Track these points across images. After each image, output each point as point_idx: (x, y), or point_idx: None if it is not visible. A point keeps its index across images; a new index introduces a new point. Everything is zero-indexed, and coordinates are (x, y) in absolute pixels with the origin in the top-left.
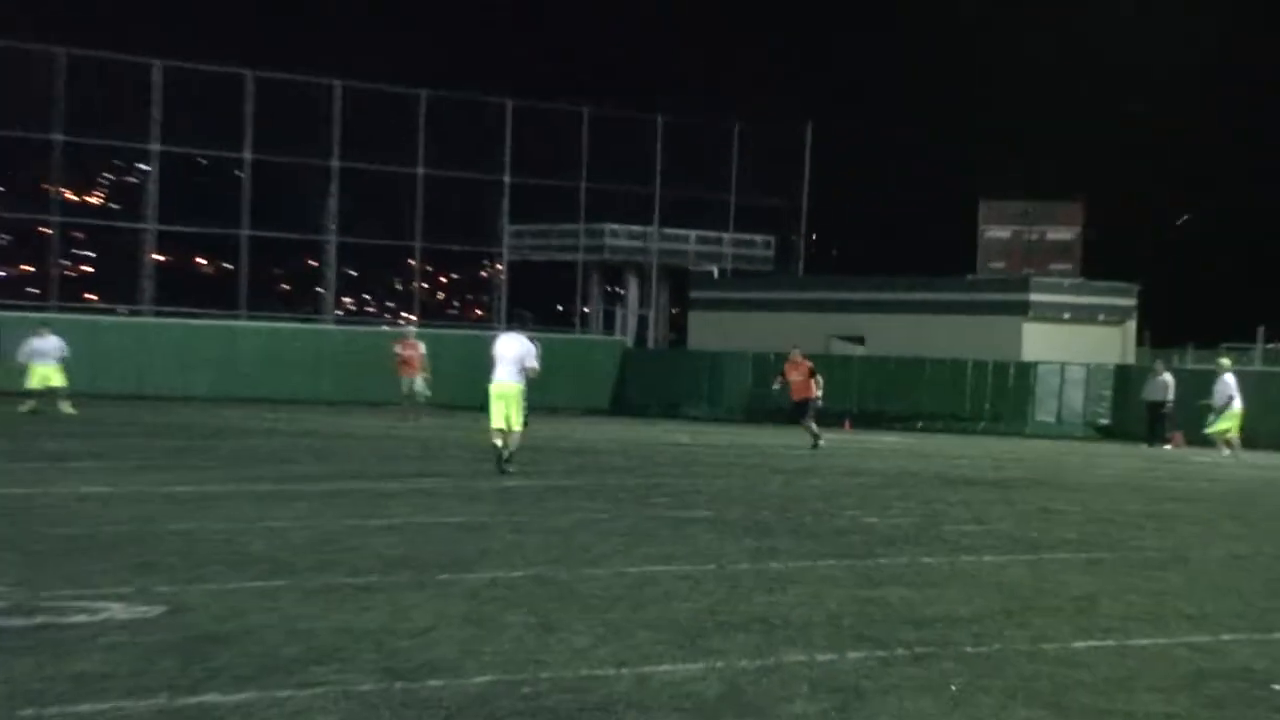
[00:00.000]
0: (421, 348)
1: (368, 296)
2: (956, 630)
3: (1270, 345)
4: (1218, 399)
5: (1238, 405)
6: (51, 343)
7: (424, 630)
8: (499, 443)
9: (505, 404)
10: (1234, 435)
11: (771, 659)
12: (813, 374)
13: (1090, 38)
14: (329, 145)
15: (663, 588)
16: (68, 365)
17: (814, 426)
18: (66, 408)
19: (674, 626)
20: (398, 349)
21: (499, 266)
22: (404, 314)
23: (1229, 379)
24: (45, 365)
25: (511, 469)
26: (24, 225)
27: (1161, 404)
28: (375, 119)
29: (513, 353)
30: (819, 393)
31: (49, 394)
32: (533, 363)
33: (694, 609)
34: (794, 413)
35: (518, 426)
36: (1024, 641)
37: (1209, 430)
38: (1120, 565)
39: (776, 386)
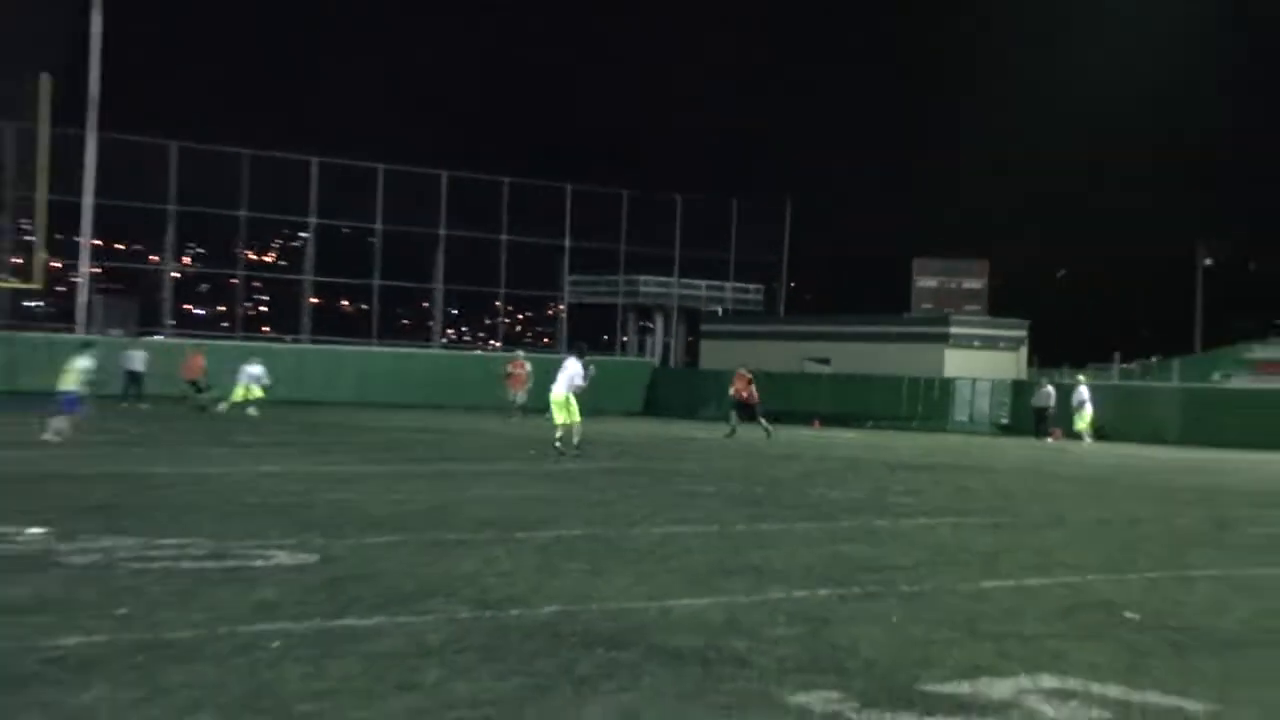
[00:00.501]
0: (528, 367)
1: (465, 329)
2: (897, 575)
3: (1123, 365)
4: (1076, 400)
5: (1089, 409)
6: (259, 370)
7: (506, 573)
8: (559, 432)
9: (559, 408)
10: (1086, 429)
11: (761, 596)
12: (750, 384)
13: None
14: (438, 218)
15: (681, 544)
16: (266, 387)
17: (764, 423)
18: (253, 411)
19: (689, 572)
20: (510, 367)
21: (561, 307)
22: (491, 342)
23: (1084, 390)
24: (252, 385)
25: (575, 452)
26: (220, 278)
27: (1045, 409)
28: (470, 199)
29: (567, 373)
30: (755, 398)
31: (245, 403)
32: (579, 381)
33: (704, 559)
34: (743, 412)
35: (576, 419)
36: (946, 583)
37: (1076, 427)
38: (1016, 527)
39: (732, 393)
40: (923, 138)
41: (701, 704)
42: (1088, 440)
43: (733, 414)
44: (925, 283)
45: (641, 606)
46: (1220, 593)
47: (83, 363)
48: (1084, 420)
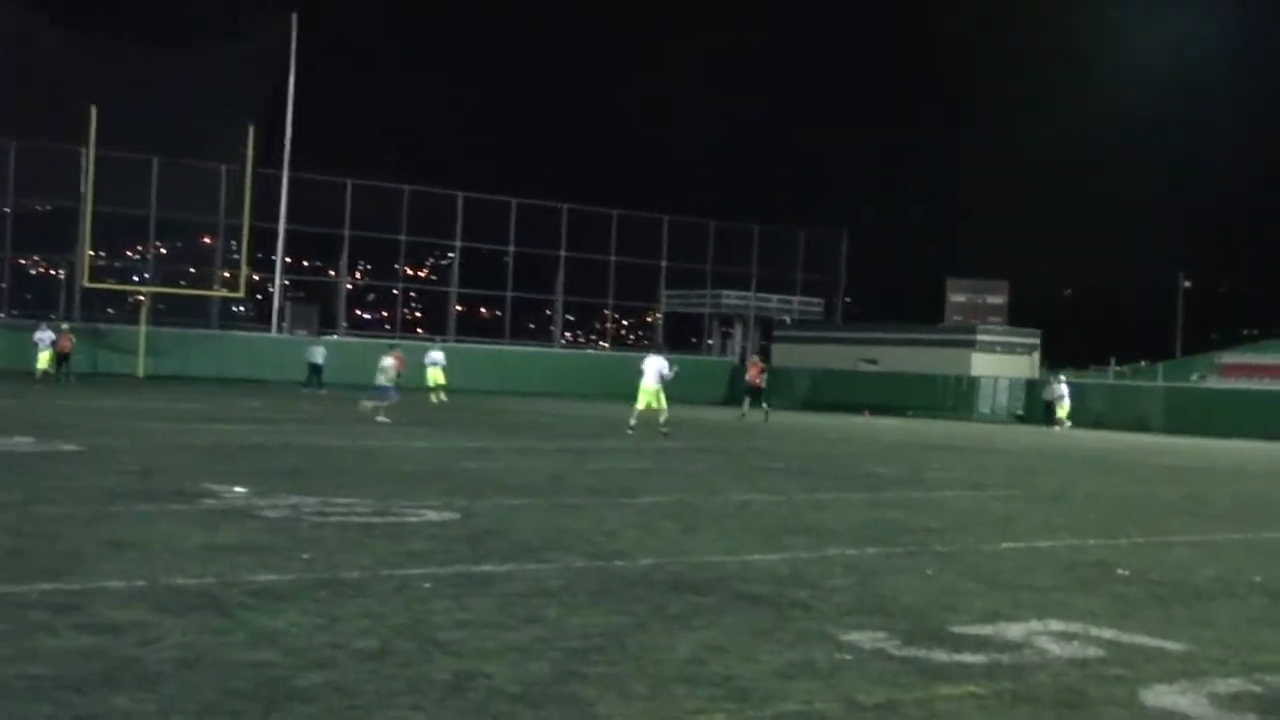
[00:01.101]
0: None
1: (580, 332)
2: (931, 536)
3: (1116, 368)
4: (1056, 395)
5: (1067, 401)
6: (440, 355)
7: (611, 531)
8: (637, 418)
9: (648, 396)
10: (1064, 417)
11: (819, 552)
12: (762, 372)
13: (1016, 181)
14: (559, 242)
15: (754, 509)
16: (445, 372)
17: (765, 406)
18: (441, 396)
19: (761, 532)
20: (750, 370)
21: (658, 315)
22: (601, 343)
23: (1063, 386)
24: (435, 369)
25: (664, 431)
26: (383, 289)
27: (1052, 403)
28: (585, 226)
29: (654, 367)
30: (763, 383)
31: (435, 388)
32: (666, 373)
33: (772, 522)
34: (751, 395)
35: (664, 406)
36: (971, 544)
37: (1056, 415)
38: (1027, 498)
39: (746, 379)
40: (956, 177)
41: (772, 640)
42: (1067, 426)
43: (746, 400)
44: (956, 298)
45: (722, 560)
46: (1194, 554)
47: (387, 361)
48: (1063, 410)
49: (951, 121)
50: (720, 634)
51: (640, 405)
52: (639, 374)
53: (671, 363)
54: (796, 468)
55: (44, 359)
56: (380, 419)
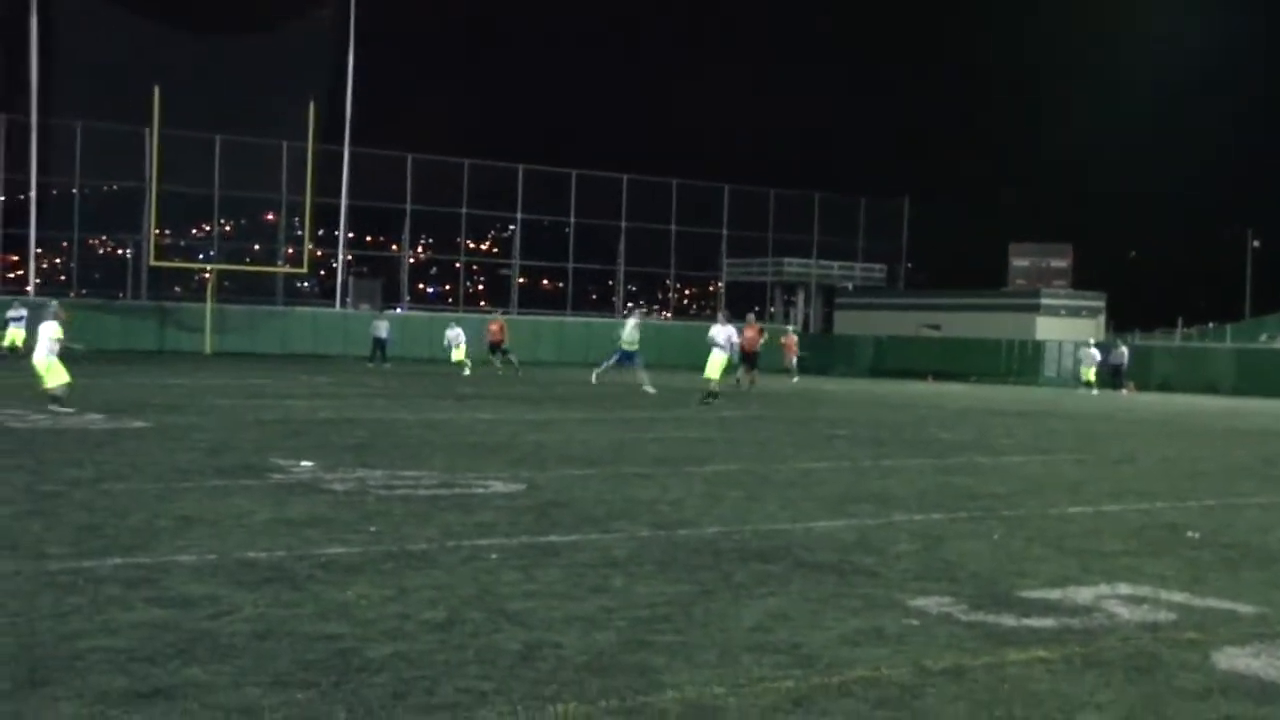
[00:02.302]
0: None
1: (643, 301)
2: (997, 502)
3: (1184, 330)
4: (1085, 359)
5: (1094, 365)
6: (459, 333)
7: (676, 500)
8: (712, 387)
9: (716, 366)
10: (1090, 379)
11: (885, 519)
12: (761, 333)
13: (1082, 141)
14: (620, 212)
15: (818, 476)
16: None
17: (755, 374)
18: (467, 371)
19: (826, 499)
20: (748, 332)
21: (720, 284)
22: (664, 314)
23: (1094, 351)
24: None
25: (709, 400)
26: (446, 262)
27: (1119, 366)
28: (646, 196)
29: (721, 336)
30: (759, 348)
31: (459, 364)
32: (736, 339)
33: (837, 489)
34: (746, 360)
35: (716, 376)
36: (1038, 508)
37: (1084, 379)
38: (1095, 463)
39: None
40: (1019, 138)
41: (838, 607)
42: (1094, 390)
43: (753, 367)
44: (1019, 262)
45: (787, 528)
46: (1265, 517)
47: (630, 326)
48: (1089, 373)
49: (1014, 84)
50: (786, 601)
51: (709, 373)
52: (710, 344)
53: (737, 329)
54: (861, 435)
55: (13, 337)
56: (648, 388)
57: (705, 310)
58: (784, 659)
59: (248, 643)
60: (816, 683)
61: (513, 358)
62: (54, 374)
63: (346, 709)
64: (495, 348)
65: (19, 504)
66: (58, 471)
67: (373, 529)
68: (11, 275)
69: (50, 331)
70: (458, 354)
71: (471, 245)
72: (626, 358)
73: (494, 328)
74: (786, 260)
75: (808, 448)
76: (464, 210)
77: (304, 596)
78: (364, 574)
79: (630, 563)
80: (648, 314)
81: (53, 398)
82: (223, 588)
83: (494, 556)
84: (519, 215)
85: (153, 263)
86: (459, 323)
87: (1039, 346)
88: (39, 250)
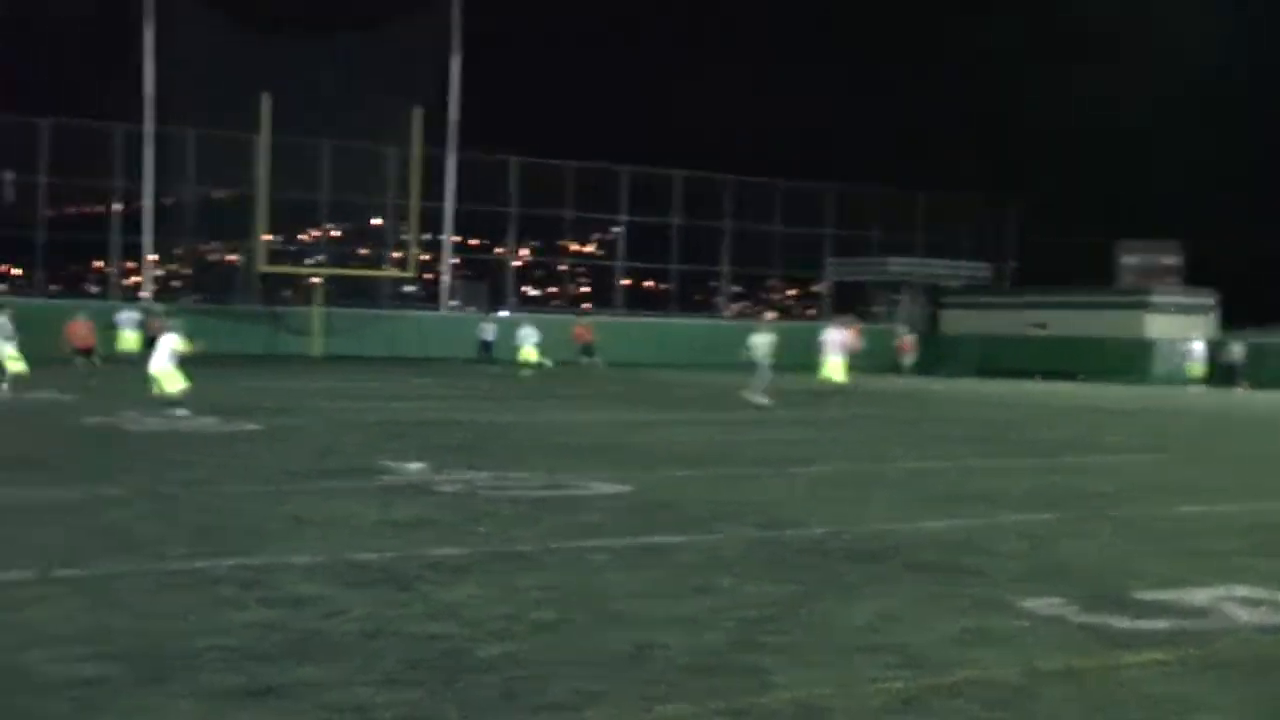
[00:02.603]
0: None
1: (748, 302)
2: (1106, 501)
3: None
4: (1190, 354)
5: (1200, 361)
6: (531, 331)
7: (781, 500)
8: (832, 387)
9: (832, 369)
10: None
11: (992, 519)
12: (860, 334)
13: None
14: (724, 213)
15: (925, 476)
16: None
17: (854, 375)
18: (527, 372)
19: (932, 499)
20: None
21: (824, 285)
22: (767, 314)
23: (1198, 346)
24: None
25: (840, 403)
26: (551, 265)
27: (1233, 365)
28: (750, 197)
29: (834, 338)
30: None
31: (525, 364)
32: (850, 342)
33: (944, 489)
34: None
35: (839, 378)
36: (1148, 508)
37: (1190, 375)
38: (1208, 461)
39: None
40: (1125, 137)
41: (946, 607)
42: (1201, 387)
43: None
44: (1128, 260)
45: (894, 528)
46: None
47: (762, 338)
48: (1195, 370)
49: (1119, 77)
50: (895, 602)
51: (835, 376)
52: (821, 345)
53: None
54: (966, 434)
55: (127, 340)
56: (759, 399)
57: (809, 311)
58: (893, 659)
59: (358, 642)
60: (926, 683)
61: (597, 360)
62: (172, 380)
63: (457, 708)
64: (585, 349)
65: (138, 506)
66: (173, 474)
67: (480, 530)
68: (127, 282)
69: (172, 342)
70: (526, 354)
71: (576, 247)
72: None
73: (580, 329)
74: (891, 260)
75: (914, 447)
76: (569, 212)
77: (413, 597)
78: (472, 575)
79: (737, 563)
80: (757, 316)
81: (171, 402)
82: (333, 588)
83: (600, 557)
84: (623, 217)
85: (262, 268)
86: (532, 322)
87: (1148, 345)
88: (153, 257)
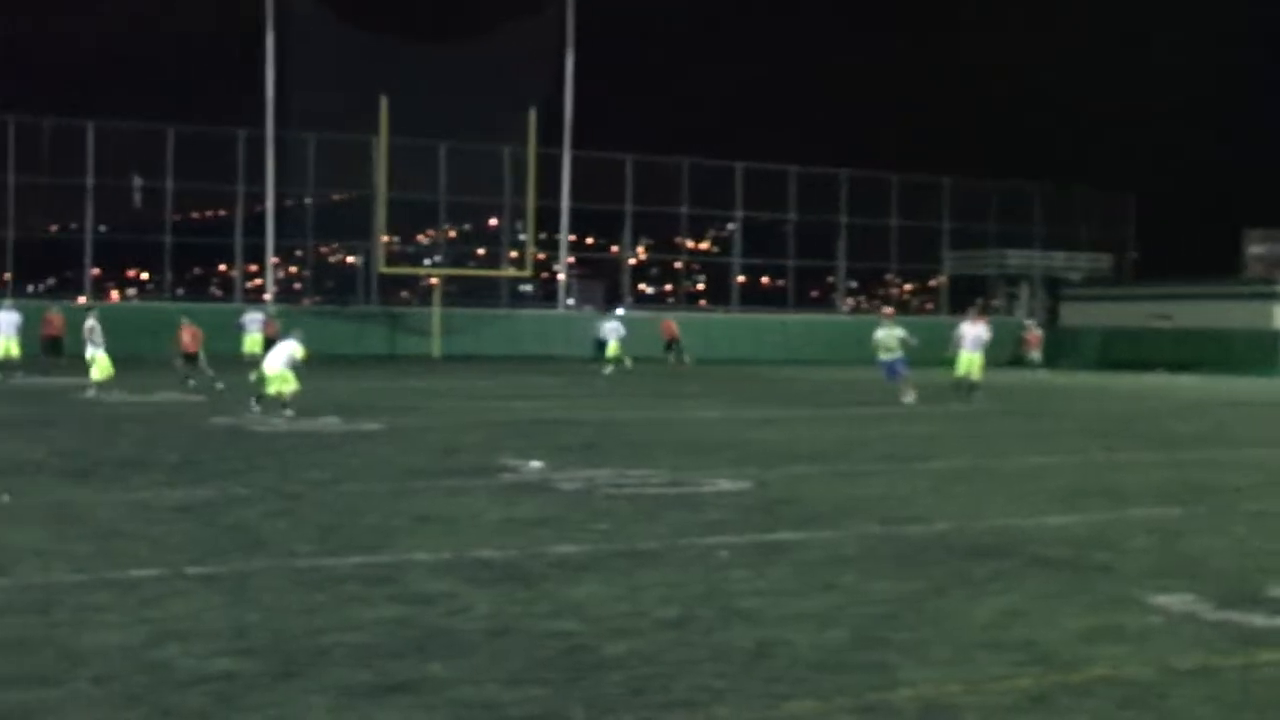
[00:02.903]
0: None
1: (863, 297)
2: (1238, 496)
3: None
4: None
5: None
6: (616, 324)
7: (904, 497)
8: (961, 384)
9: (969, 363)
10: None
11: (1119, 514)
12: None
13: None
14: (839, 208)
15: (1048, 470)
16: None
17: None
18: (622, 364)
19: (1057, 494)
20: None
21: (942, 278)
22: (885, 309)
23: None
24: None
25: (978, 398)
26: (666, 262)
27: None
28: (865, 191)
29: (971, 332)
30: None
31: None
32: (986, 336)
33: (1068, 483)
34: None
35: (977, 374)
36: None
37: None
38: None
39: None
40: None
41: (1074, 603)
42: None
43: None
44: (1255, 250)
45: (1018, 523)
46: None
47: (898, 333)
48: None
49: (1242, 63)
50: (1020, 598)
51: (974, 372)
52: (959, 340)
53: (990, 327)
54: (1090, 428)
55: (252, 341)
56: (908, 399)
57: (925, 306)
58: (1020, 656)
59: (484, 639)
60: (1055, 681)
61: (686, 356)
62: (283, 382)
63: (584, 706)
64: (670, 344)
65: (266, 504)
66: (299, 473)
67: (602, 527)
68: (250, 285)
69: (291, 348)
70: (613, 349)
71: (691, 245)
72: (889, 370)
73: (666, 324)
74: (1009, 252)
75: (1036, 441)
76: (684, 210)
77: (537, 594)
78: (595, 572)
79: (860, 560)
80: (876, 311)
81: (282, 404)
82: (458, 585)
83: (723, 554)
84: (738, 213)
85: (382, 269)
86: (617, 316)
87: (1277, 336)
88: (275, 260)
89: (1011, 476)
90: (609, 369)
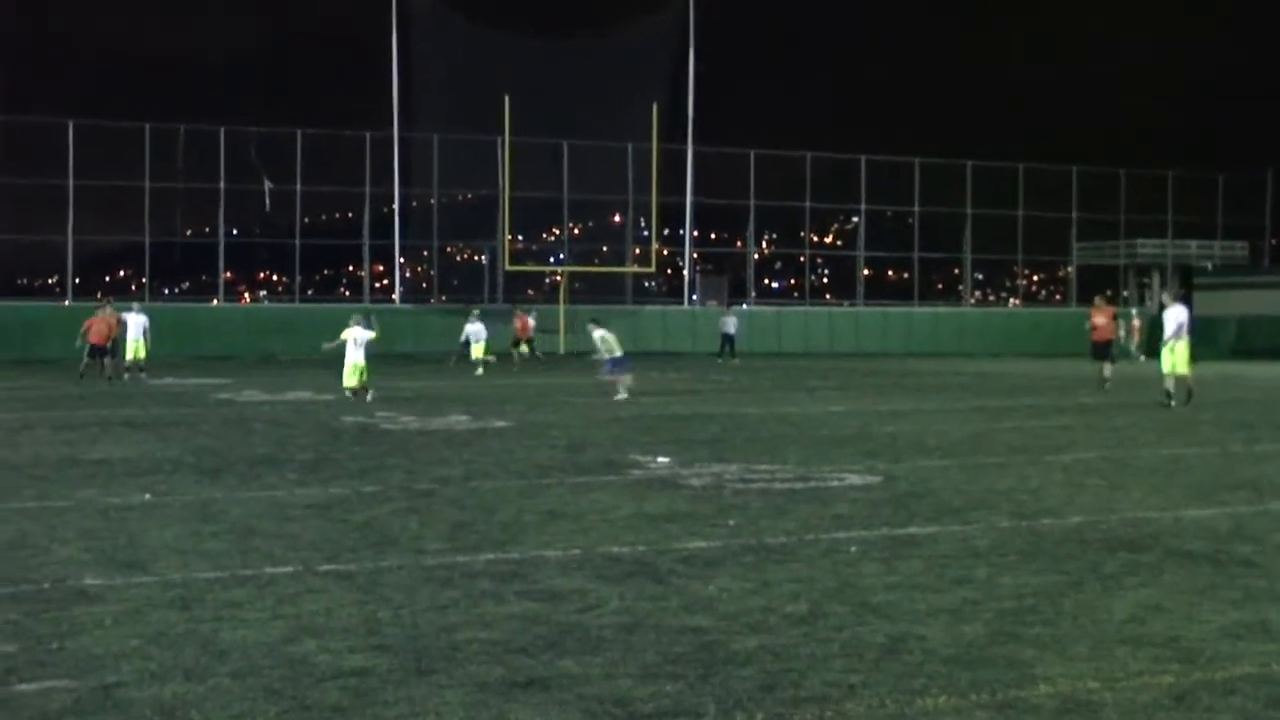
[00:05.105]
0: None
1: (989, 290)
2: None
3: None
4: None
5: None
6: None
7: (1037, 489)
8: (1181, 384)
9: (1173, 356)
10: None
11: (1261, 507)
12: (1115, 318)
13: None
14: (965, 199)
15: (1185, 463)
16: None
17: (1109, 369)
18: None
19: (1194, 486)
20: (1100, 318)
21: (1070, 269)
22: (1012, 300)
23: None
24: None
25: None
26: (790, 257)
27: None
28: (993, 182)
29: (1175, 318)
30: (1122, 334)
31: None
32: (1186, 320)
33: (1206, 476)
34: (1098, 352)
35: (1184, 369)
36: None
37: None
38: None
39: (1089, 327)
40: None
41: (1215, 598)
42: None
43: (1108, 357)
44: None
45: (1155, 516)
46: None
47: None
48: None
49: None
50: (1160, 592)
51: (1181, 366)
52: (1176, 329)
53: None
54: (1228, 418)
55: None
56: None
57: (1055, 296)
58: (1161, 653)
59: (616, 635)
60: (1198, 678)
61: (538, 352)
62: (355, 374)
63: (716, 701)
64: (519, 342)
65: (397, 501)
66: (429, 470)
67: (731, 523)
68: (378, 285)
69: (358, 334)
70: (477, 350)
71: (815, 238)
72: (609, 366)
73: (519, 323)
74: (1140, 241)
75: (1171, 433)
76: (807, 203)
77: (667, 590)
78: (725, 567)
79: (993, 553)
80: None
81: (356, 393)
82: (589, 581)
83: (853, 549)
84: (862, 206)
85: (507, 267)
86: (481, 316)
87: None
88: (402, 260)
89: (1146, 469)
90: (480, 371)
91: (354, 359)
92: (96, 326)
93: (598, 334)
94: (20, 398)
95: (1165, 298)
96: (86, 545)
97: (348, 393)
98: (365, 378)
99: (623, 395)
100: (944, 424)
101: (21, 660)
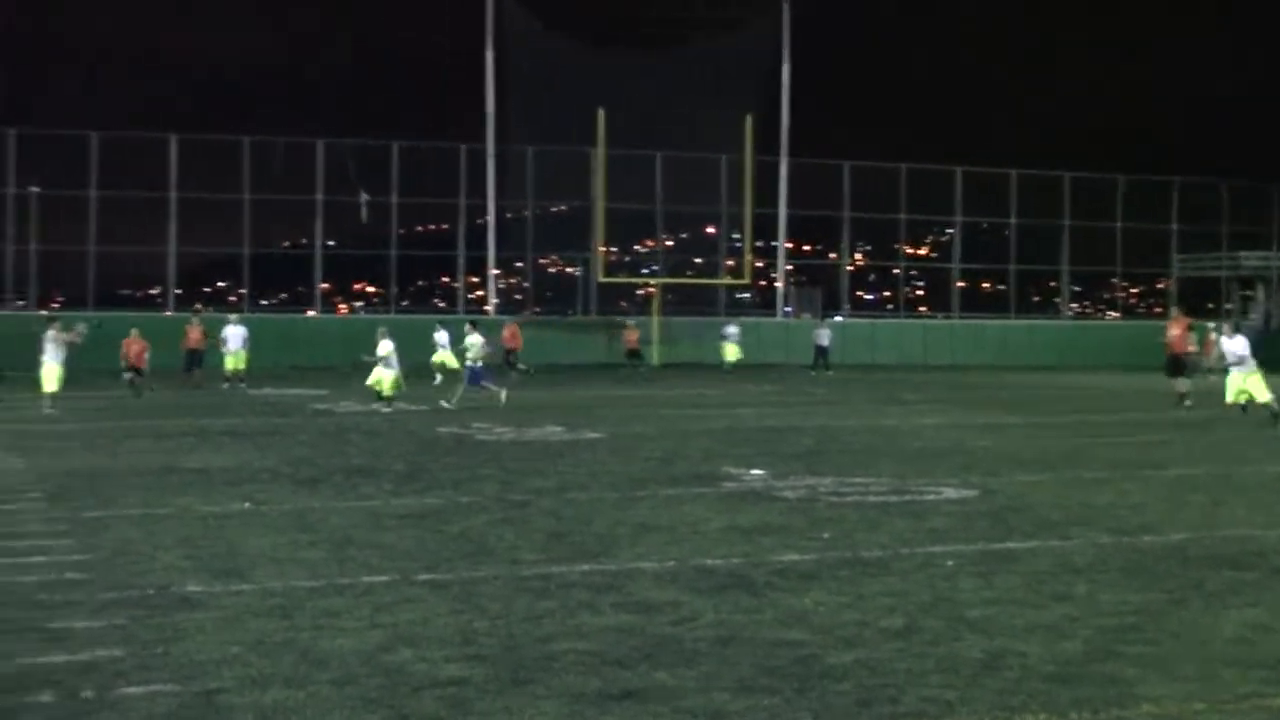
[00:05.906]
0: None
1: (1087, 302)
2: None
3: None
4: None
5: None
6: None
7: (1137, 505)
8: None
9: (1243, 379)
10: None
11: None
12: (1190, 329)
13: None
14: (1062, 211)
15: None
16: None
17: (1185, 384)
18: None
19: None
20: (1174, 330)
21: (1170, 281)
22: (1110, 313)
23: None
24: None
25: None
26: (884, 269)
27: None
28: (1090, 193)
29: (1233, 353)
30: (1193, 348)
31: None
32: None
33: None
34: (1172, 365)
35: (1263, 398)
36: None
37: None
38: None
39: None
40: None
41: None
42: None
43: (1184, 370)
44: None
45: (1260, 533)
46: None
47: (478, 340)
48: None
49: None
50: (1267, 612)
51: (1231, 398)
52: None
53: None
54: None
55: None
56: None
57: (1154, 310)
58: (1271, 674)
59: (711, 648)
60: None
61: (523, 365)
62: (383, 381)
63: (813, 715)
64: (510, 353)
65: (492, 512)
66: (524, 481)
67: (825, 536)
68: (472, 296)
69: (383, 348)
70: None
71: (910, 250)
72: (471, 376)
73: (506, 333)
74: (1243, 254)
75: (1275, 450)
76: (902, 216)
77: (762, 603)
78: (820, 581)
79: (1092, 570)
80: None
81: (382, 399)
82: (683, 594)
83: (950, 563)
84: (958, 218)
85: (601, 279)
86: (442, 325)
87: None
88: (497, 271)
89: (1250, 485)
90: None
91: (396, 371)
92: (134, 348)
93: (472, 338)
94: (121, 406)
95: (1226, 328)
96: (187, 553)
97: (384, 404)
98: (400, 388)
99: (504, 398)
100: (1040, 438)
101: (129, 664)
